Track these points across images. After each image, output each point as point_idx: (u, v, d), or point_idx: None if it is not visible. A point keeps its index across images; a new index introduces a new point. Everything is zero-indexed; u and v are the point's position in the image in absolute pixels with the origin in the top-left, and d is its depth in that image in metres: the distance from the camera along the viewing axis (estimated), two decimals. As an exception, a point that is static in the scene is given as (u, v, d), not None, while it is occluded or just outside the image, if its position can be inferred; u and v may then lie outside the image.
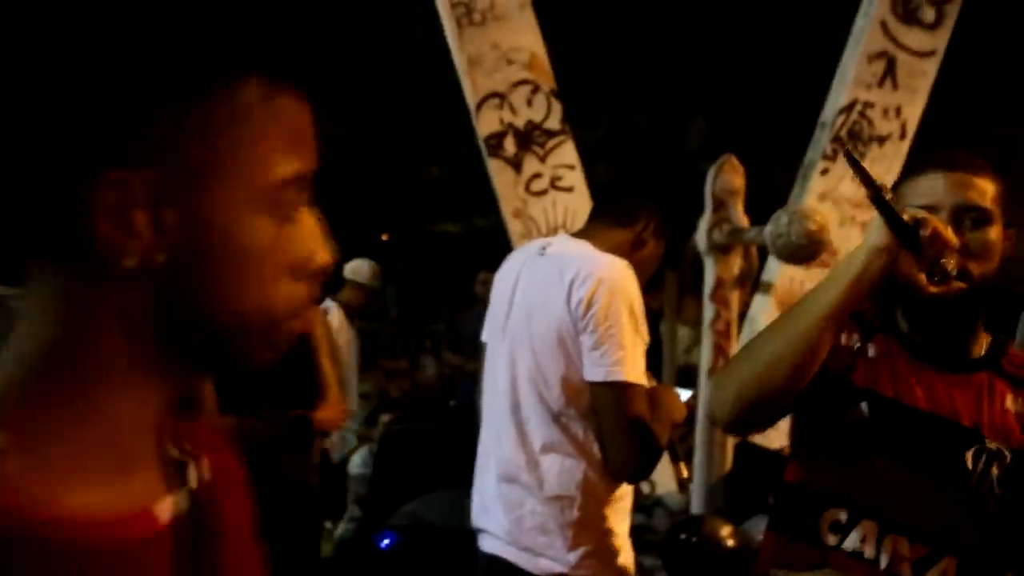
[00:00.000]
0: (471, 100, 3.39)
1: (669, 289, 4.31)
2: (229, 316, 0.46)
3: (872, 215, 1.06)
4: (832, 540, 1.09)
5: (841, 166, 3.86)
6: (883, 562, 1.07)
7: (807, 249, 2.60)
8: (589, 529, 1.49)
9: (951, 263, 1.01)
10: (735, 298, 3.08)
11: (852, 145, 3.90)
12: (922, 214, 1.00)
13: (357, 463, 4.02)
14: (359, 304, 4.10)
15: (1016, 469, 1.08)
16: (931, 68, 3.89)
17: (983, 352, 1.14)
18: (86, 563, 0.42)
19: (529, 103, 3.38)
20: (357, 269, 4.11)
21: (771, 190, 4.11)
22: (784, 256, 2.73)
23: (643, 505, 3.34)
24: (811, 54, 5.30)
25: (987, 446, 1.08)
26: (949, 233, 1.01)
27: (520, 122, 3.37)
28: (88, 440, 0.44)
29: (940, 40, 3.89)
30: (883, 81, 3.90)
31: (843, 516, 1.09)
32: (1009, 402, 1.11)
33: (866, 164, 3.84)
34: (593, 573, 1.50)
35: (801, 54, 6.68)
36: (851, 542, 1.08)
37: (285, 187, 0.47)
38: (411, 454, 3.04)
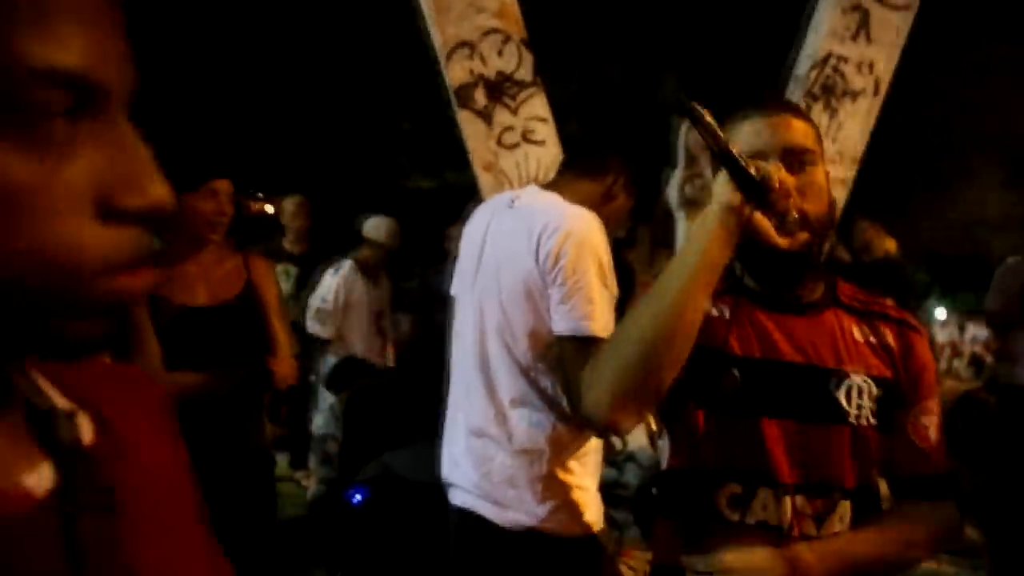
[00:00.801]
0: (439, 50, 3.30)
1: (642, 243, 4.31)
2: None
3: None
4: (734, 516, 1.08)
5: (814, 120, 3.84)
6: (787, 525, 1.07)
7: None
8: (558, 483, 1.49)
9: (793, 213, 1.01)
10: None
11: (825, 100, 3.89)
12: (766, 168, 0.99)
13: (320, 424, 4.00)
14: (376, 263, 4.10)
15: (881, 397, 1.11)
16: (905, 23, 3.86)
17: (822, 292, 1.15)
18: None
19: (500, 53, 3.29)
20: (376, 227, 4.10)
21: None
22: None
23: (614, 461, 3.39)
24: (781, 5, 5.23)
25: (853, 381, 1.10)
26: (789, 179, 1.01)
27: (490, 73, 3.29)
28: None
29: (915, -7, 3.86)
30: (857, 35, 3.87)
31: (738, 489, 1.08)
32: (856, 333, 1.13)
33: (839, 119, 3.80)
34: (561, 526, 1.50)
35: (771, 5, 6.59)
36: (753, 515, 1.08)
37: (35, 86, 0.34)
38: (382, 410, 3.03)
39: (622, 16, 7.71)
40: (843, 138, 3.88)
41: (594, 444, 1.58)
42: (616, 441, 3.24)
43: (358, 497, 2.37)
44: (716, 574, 1.03)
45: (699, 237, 1.00)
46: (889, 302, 1.21)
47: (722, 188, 0.99)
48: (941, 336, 11.60)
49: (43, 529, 0.38)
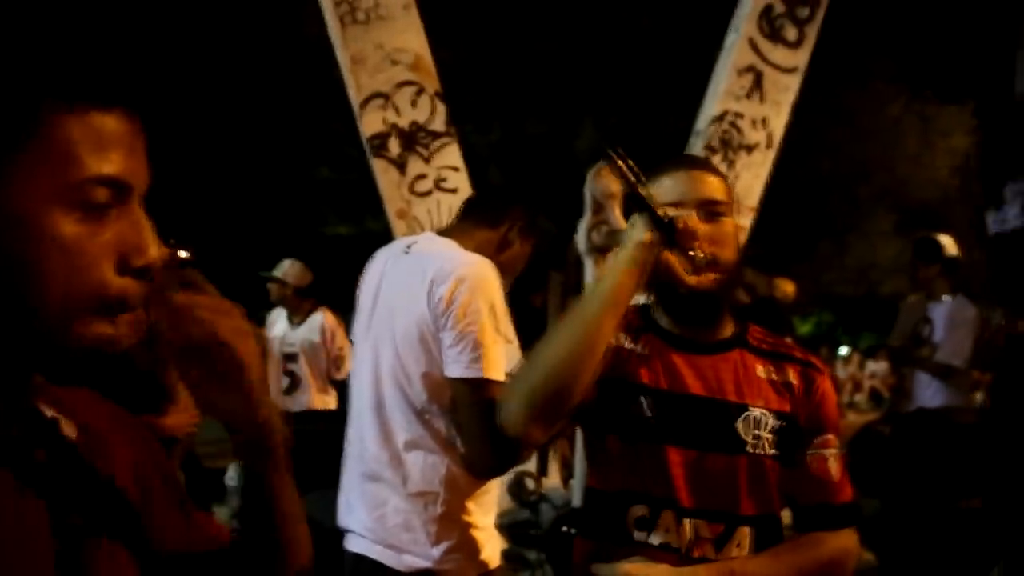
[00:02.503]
0: (355, 100, 3.36)
1: (553, 289, 4.42)
2: (39, 299, 0.54)
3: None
4: (640, 536, 1.16)
5: (713, 173, 4.08)
6: (687, 547, 1.15)
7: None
8: (453, 524, 1.51)
9: (701, 254, 1.12)
10: (613, 298, 3.18)
11: (723, 152, 4.13)
12: (675, 212, 1.11)
13: (232, 476, 3.89)
14: (284, 301, 4.22)
15: (780, 428, 1.20)
16: (794, 83, 4.18)
17: (731, 332, 1.26)
18: None
19: (413, 104, 3.38)
20: (279, 266, 4.18)
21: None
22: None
23: (529, 501, 3.41)
24: (689, 68, 5.57)
25: (752, 413, 1.19)
26: (699, 225, 1.13)
27: (404, 123, 3.37)
28: None
29: (802, 58, 4.18)
30: (751, 94, 4.15)
31: (645, 511, 1.16)
32: (760, 371, 1.23)
33: (736, 170, 4.06)
34: (458, 567, 1.51)
35: (680, 67, 6.98)
36: (657, 536, 1.16)
37: (91, 186, 0.55)
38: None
39: (542, 71, 8.02)
40: (740, 188, 4.13)
41: (491, 483, 1.60)
42: (529, 482, 3.27)
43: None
44: None
45: (613, 270, 1.10)
46: (793, 346, 1.32)
47: (636, 227, 1.10)
48: (844, 372, 12.23)
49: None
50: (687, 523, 1.15)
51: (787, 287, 5.29)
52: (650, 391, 1.17)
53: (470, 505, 1.53)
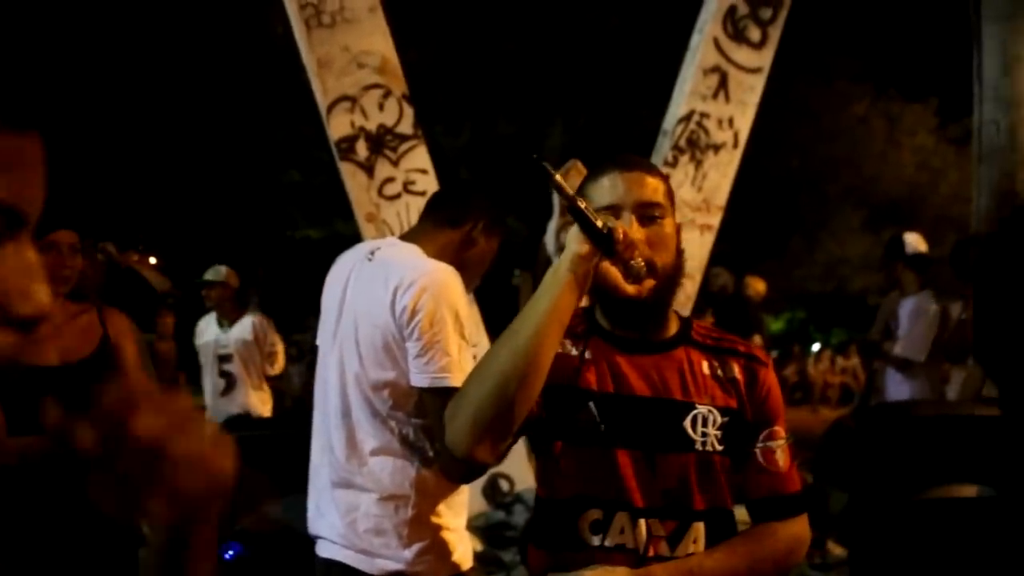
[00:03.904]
0: (322, 103, 3.35)
1: (524, 290, 4.43)
2: None
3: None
4: (595, 540, 1.17)
5: (681, 171, 4.13)
6: (642, 547, 1.16)
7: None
8: (424, 526, 1.51)
9: (640, 262, 1.12)
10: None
11: (691, 152, 4.18)
12: (613, 222, 1.10)
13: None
14: (217, 303, 4.19)
15: (726, 424, 1.21)
16: (759, 83, 4.24)
17: (675, 330, 1.26)
18: None
19: (381, 107, 3.38)
20: (212, 270, 4.19)
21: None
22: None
23: (503, 502, 3.42)
24: (660, 65, 5.62)
25: (699, 411, 1.20)
26: (637, 232, 1.13)
27: (372, 126, 3.36)
28: None
29: (766, 58, 4.25)
30: (717, 94, 4.21)
31: (599, 515, 1.17)
32: (705, 368, 1.24)
33: (704, 170, 4.10)
34: (430, 568, 1.52)
35: (651, 65, 7.04)
36: (612, 538, 1.17)
37: None
38: (261, 461, 2.95)
39: (511, 71, 8.03)
40: (708, 187, 4.18)
41: (462, 485, 1.61)
42: (503, 483, 3.28)
43: (230, 552, 2.30)
44: None
45: (552, 282, 1.09)
46: (756, 340, 1.32)
47: (574, 239, 1.08)
48: (816, 369, 12.38)
49: None
50: (641, 523, 1.16)
51: (758, 285, 5.37)
52: (597, 396, 1.18)
53: (441, 507, 1.53)
